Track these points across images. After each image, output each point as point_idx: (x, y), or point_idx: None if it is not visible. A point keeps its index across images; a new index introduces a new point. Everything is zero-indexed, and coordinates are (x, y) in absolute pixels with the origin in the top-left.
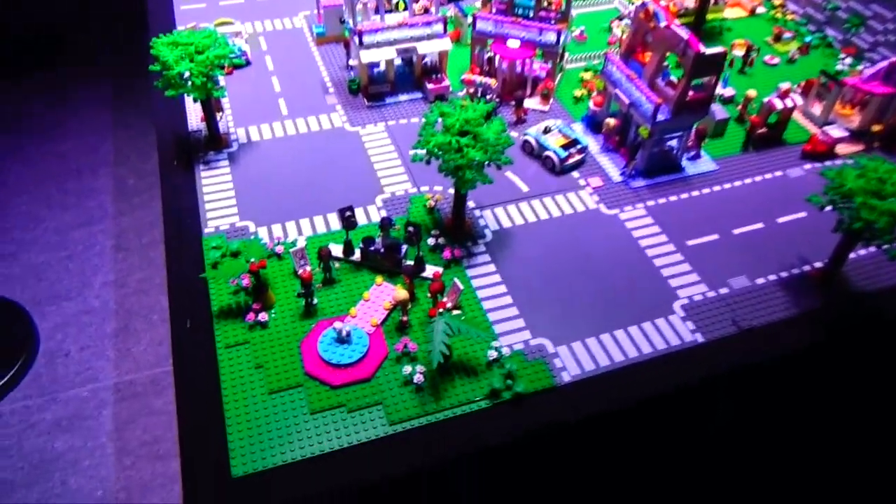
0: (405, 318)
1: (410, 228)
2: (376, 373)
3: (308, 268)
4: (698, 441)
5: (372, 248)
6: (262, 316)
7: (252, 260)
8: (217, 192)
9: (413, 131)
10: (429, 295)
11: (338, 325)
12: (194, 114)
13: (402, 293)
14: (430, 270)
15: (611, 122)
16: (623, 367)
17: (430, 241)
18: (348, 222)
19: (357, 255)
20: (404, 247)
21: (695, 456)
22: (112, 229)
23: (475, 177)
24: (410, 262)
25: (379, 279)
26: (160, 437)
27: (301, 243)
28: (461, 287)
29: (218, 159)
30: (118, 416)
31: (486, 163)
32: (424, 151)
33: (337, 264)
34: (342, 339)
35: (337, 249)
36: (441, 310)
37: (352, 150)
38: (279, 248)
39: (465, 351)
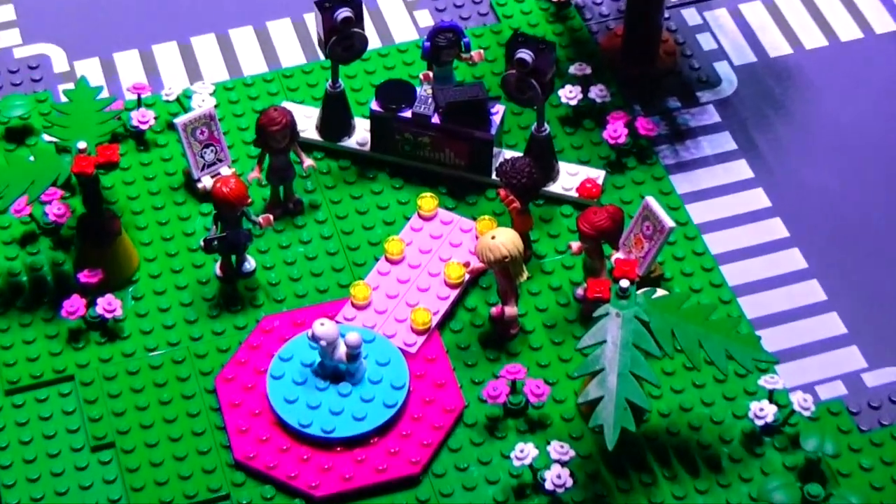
0: (508, 310)
1: (523, 54)
2: (434, 460)
3: (227, 169)
4: None
5: (405, 112)
6: (108, 303)
7: (78, 147)
8: None
9: None
10: (573, 248)
11: (324, 327)
12: None
13: (504, 242)
14: (569, 175)
15: None
16: None
17: (565, 92)
18: (342, 39)
19: (361, 133)
20: (498, 109)
21: None
22: None
23: None
24: (515, 154)
25: (427, 200)
26: None
27: (201, 101)
28: (668, 223)
29: None
30: None
31: None
32: None
33: (308, 161)
34: (332, 371)
35: (305, 116)
36: (627, 284)
37: None
38: (143, 118)
39: (688, 398)
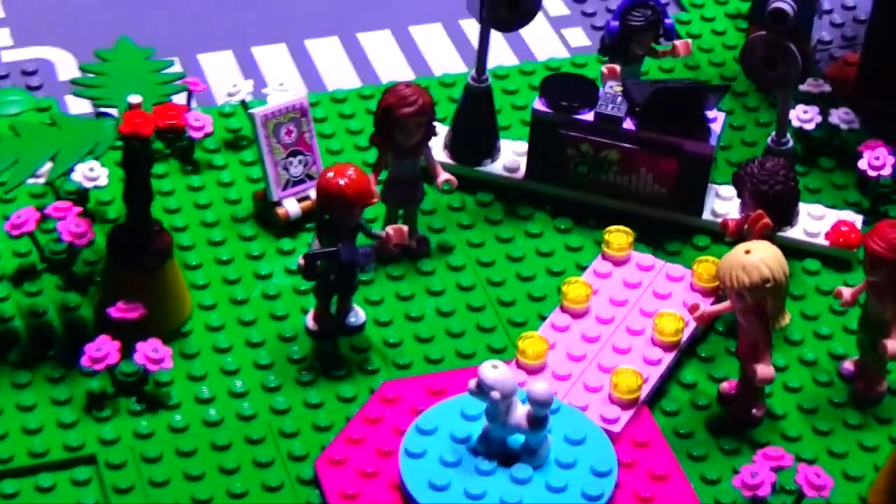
0: (761, 371)
1: (782, 3)
2: None
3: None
4: None
5: (586, 114)
6: (153, 349)
7: (129, 101)
8: None
9: None
10: (844, 295)
11: (497, 371)
12: None
13: (765, 259)
14: (812, 217)
15: None
16: None
17: (798, 113)
18: None
19: (509, 156)
20: (716, 115)
21: None
22: None
23: None
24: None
25: (617, 236)
26: None
27: (273, 93)
28: None
29: None
30: None
31: None
32: None
33: (444, 174)
34: (501, 446)
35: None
36: None
37: None
38: (198, 121)
39: None
